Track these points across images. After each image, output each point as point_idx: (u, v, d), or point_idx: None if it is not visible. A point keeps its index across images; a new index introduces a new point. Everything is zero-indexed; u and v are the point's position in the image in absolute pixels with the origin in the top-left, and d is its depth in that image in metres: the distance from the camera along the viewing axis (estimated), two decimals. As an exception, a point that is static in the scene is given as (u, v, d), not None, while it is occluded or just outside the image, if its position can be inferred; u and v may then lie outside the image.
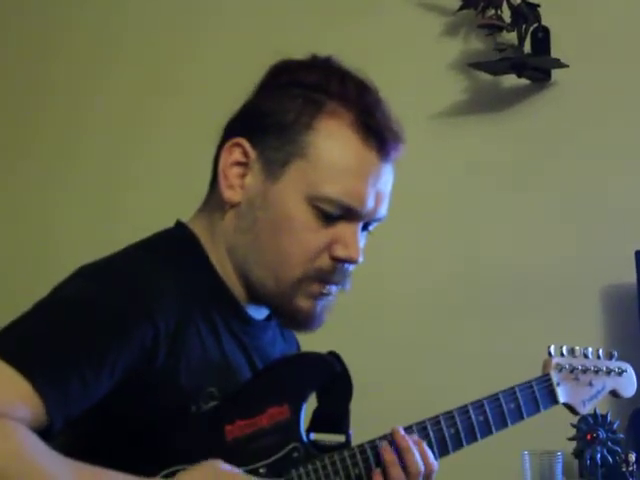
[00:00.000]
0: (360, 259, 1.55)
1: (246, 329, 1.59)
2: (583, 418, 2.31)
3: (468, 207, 2.84)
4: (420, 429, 1.59)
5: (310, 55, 1.60)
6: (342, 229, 1.54)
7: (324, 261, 1.53)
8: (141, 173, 3.07)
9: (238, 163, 1.55)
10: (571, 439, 2.35)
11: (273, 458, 1.49)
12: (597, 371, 1.78)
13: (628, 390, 1.83)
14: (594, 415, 2.31)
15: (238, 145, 1.54)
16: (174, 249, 1.59)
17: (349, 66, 1.61)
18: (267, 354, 1.63)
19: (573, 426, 2.33)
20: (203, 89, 2.97)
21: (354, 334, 2.82)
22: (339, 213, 1.53)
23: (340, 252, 1.53)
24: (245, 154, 1.54)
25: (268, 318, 1.64)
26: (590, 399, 1.77)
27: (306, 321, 1.58)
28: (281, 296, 1.56)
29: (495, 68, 2.70)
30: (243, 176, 1.55)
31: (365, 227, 1.59)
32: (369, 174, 1.54)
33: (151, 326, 1.45)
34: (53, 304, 1.46)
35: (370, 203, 1.54)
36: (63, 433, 1.39)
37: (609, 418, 2.33)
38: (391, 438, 1.57)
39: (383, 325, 2.90)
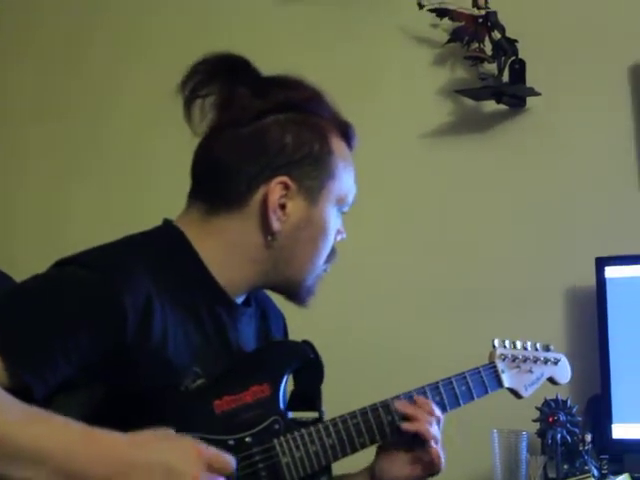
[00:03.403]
0: None
1: (231, 313, 1.62)
2: (546, 402, 2.31)
3: (450, 214, 2.83)
4: (385, 406, 1.63)
5: (282, 78, 1.63)
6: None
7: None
8: (159, 171, 3.06)
9: (281, 197, 1.58)
10: (535, 420, 2.34)
11: (257, 429, 1.52)
12: (536, 360, 1.83)
13: (563, 377, 1.89)
14: (556, 400, 2.32)
15: (281, 183, 1.57)
16: (159, 242, 1.60)
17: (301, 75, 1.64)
18: (244, 336, 1.64)
19: (537, 409, 2.32)
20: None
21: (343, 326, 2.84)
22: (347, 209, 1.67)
23: (340, 238, 1.67)
24: (287, 188, 1.57)
25: (245, 303, 1.66)
26: (531, 384, 1.82)
27: (310, 295, 1.65)
28: (299, 283, 1.63)
29: (477, 95, 2.73)
30: (284, 207, 1.58)
31: None
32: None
33: (117, 303, 1.44)
34: (29, 286, 1.46)
35: None
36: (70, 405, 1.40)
37: (569, 403, 2.33)
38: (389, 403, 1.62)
39: (366, 321, 2.87)
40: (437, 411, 1.65)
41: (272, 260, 1.61)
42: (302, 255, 1.62)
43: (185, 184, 1.65)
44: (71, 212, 3.25)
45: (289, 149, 1.58)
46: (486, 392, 1.75)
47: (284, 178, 1.57)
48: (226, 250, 1.60)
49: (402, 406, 1.63)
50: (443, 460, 1.64)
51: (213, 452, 1.37)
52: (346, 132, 1.65)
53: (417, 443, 1.64)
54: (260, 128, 1.59)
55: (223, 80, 1.62)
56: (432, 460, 1.64)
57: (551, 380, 1.88)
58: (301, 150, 1.58)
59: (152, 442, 1.34)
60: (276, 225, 1.57)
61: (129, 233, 1.61)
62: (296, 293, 1.65)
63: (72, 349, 1.40)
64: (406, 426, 1.62)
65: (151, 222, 1.65)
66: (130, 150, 3.20)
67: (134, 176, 3.17)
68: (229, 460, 1.38)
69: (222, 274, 1.59)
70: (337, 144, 1.62)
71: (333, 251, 1.65)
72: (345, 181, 1.63)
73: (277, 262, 1.61)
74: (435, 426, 1.63)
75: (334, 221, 1.63)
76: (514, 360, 1.80)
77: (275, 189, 1.57)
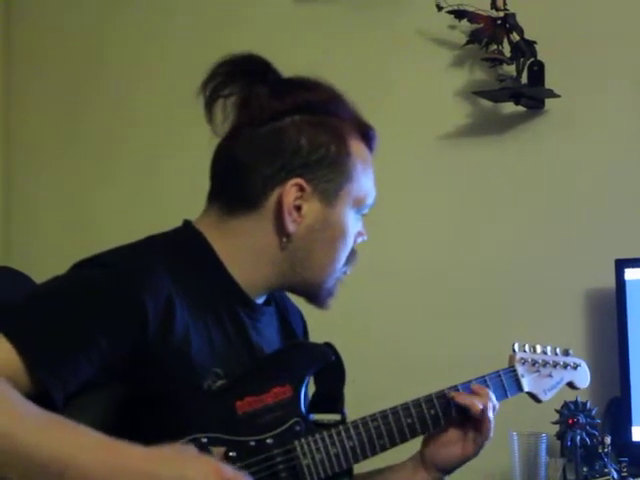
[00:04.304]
0: None
1: (251, 314, 1.62)
2: (565, 404, 2.32)
3: (468, 215, 2.83)
4: (415, 405, 1.64)
5: (301, 79, 1.63)
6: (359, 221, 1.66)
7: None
8: (179, 172, 3.05)
9: (297, 198, 1.58)
10: (555, 423, 2.34)
11: (278, 430, 1.52)
12: (555, 365, 1.83)
13: (582, 382, 1.88)
14: (575, 402, 2.32)
15: (296, 184, 1.57)
16: (179, 242, 1.60)
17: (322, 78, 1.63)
18: (266, 334, 1.65)
19: (557, 411, 2.33)
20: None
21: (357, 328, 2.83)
22: (367, 211, 1.66)
23: (360, 240, 1.66)
24: (302, 190, 1.57)
25: (266, 303, 1.67)
26: (550, 389, 1.82)
27: (330, 296, 1.64)
28: (318, 286, 1.63)
29: (496, 96, 2.72)
30: (300, 209, 1.58)
31: None
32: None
33: (138, 303, 1.44)
34: (49, 287, 1.47)
35: None
36: (94, 409, 1.42)
37: (588, 405, 2.33)
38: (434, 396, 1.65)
39: (383, 321, 2.86)
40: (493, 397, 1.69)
41: (289, 262, 1.61)
42: (319, 257, 1.61)
43: (205, 185, 1.66)
44: (93, 214, 3.26)
45: (304, 151, 1.58)
46: (505, 396, 1.75)
47: (299, 180, 1.57)
48: (243, 251, 1.60)
49: (459, 396, 1.67)
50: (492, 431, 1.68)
51: (231, 471, 1.37)
52: (366, 134, 1.64)
53: (470, 425, 1.68)
54: (277, 129, 1.59)
55: (243, 81, 1.62)
56: (485, 434, 1.68)
57: (570, 385, 1.87)
58: (317, 152, 1.58)
59: (173, 458, 1.34)
60: (291, 227, 1.57)
61: (150, 234, 1.62)
62: (315, 295, 1.65)
63: (93, 350, 1.40)
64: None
65: (173, 223, 1.66)
66: (150, 152, 3.20)
67: (155, 178, 3.18)
68: (247, 479, 1.39)
69: (240, 274, 1.59)
70: (356, 146, 1.61)
71: (353, 253, 1.64)
72: (364, 183, 1.62)
73: (294, 264, 1.61)
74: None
75: (352, 223, 1.62)
76: (534, 364, 1.80)
77: (290, 191, 1.57)
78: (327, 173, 1.58)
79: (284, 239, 1.59)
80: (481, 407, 1.66)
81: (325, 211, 1.59)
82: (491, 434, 1.68)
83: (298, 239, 1.59)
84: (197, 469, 1.34)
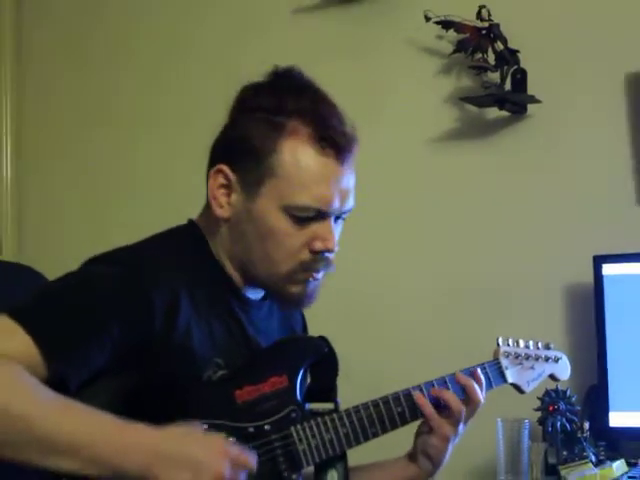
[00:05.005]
0: (335, 248, 1.58)
1: (244, 308, 1.62)
2: (547, 392, 2.31)
3: (456, 217, 2.84)
4: (405, 395, 1.63)
5: (271, 70, 1.60)
6: (317, 227, 1.56)
7: (305, 255, 1.56)
8: (193, 174, 3.03)
9: (222, 186, 1.57)
10: (537, 409, 2.34)
11: (275, 417, 1.53)
12: (537, 358, 1.82)
13: (563, 374, 1.88)
14: (556, 390, 2.31)
15: (220, 171, 1.57)
16: (182, 240, 1.61)
17: (306, 76, 1.59)
18: (262, 328, 1.66)
19: (538, 399, 2.32)
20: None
21: (354, 323, 2.85)
22: (311, 215, 1.55)
23: (319, 246, 1.56)
24: (227, 178, 1.56)
25: (263, 298, 1.66)
26: (533, 380, 1.82)
27: (299, 302, 1.62)
28: (276, 286, 1.59)
29: (481, 102, 2.73)
30: (228, 195, 1.57)
31: (337, 218, 1.59)
32: (330, 178, 1.54)
33: (146, 298, 1.46)
34: (63, 282, 1.48)
35: (336, 202, 1.55)
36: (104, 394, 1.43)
37: (568, 393, 2.33)
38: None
39: (379, 318, 2.87)
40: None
41: (240, 253, 1.60)
42: (256, 251, 1.58)
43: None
44: (103, 213, 3.26)
45: (233, 140, 1.58)
46: (491, 387, 1.75)
47: (222, 166, 1.57)
48: (220, 245, 1.62)
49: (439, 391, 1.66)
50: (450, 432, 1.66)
51: (237, 449, 1.40)
52: (326, 139, 1.55)
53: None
54: (233, 123, 1.61)
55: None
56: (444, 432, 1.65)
57: (552, 377, 1.87)
58: (245, 143, 1.55)
59: (181, 436, 1.37)
60: (218, 211, 1.57)
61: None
62: (278, 294, 1.62)
63: (105, 340, 1.42)
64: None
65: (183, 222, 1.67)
66: (165, 153, 3.20)
67: (168, 179, 3.17)
68: (251, 457, 1.42)
69: (229, 269, 1.61)
70: (293, 147, 1.54)
71: (318, 259, 1.58)
72: (296, 185, 1.54)
73: (244, 256, 1.59)
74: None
75: (281, 224, 1.55)
76: (517, 357, 1.80)
77: (213, 176, 1.57)
78: (250, 165, 1.55)
79: (226, 228, 1.58)
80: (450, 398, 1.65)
81: (247, 204, 1.56)
82: (461, 424, 1.67)
83: (235, 229, 1.58)
84: (204, 447, 1.37)
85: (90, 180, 3.31)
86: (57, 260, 1.78)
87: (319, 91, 1.59)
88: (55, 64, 3.39)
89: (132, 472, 1.33)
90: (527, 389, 1.82)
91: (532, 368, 1.82)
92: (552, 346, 1.87)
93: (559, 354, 1.87)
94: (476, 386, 1.67)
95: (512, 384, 1.80)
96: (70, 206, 3.34)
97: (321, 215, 1.56)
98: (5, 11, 3.37)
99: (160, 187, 3.19)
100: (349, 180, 1.58)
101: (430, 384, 1.67)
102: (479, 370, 1.71)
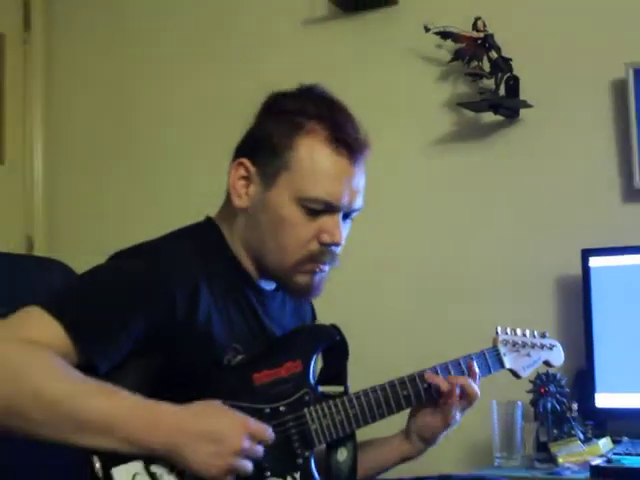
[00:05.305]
0: (342, 242, 1.62)
1: (259, 298, 1.66)
2: (538, 376, 2.36)
3: (453, 215, 2.87)
4: (411, 380, 1.68)
5: (298, 85, 1.66)
6: (326, 221, 1.60)
7: (314, 247, 1.60)
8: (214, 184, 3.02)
9: (242, 177, 1.62)
10: (529, 392, 2.38)
11: (290, 399, 1.56)
12: (533, 346, 1.85)
13: (557, 360, 1.90)
14: (547, 374, 2.35)
15: (241, 164, 1.62)
16: (200, 235, 1.64)
17: (328, 91, 1.65)
18: (276, 317, 1.68)
19: (531, 382, 2.36)
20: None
21: (360, 307, 2.90)
22: (321, 208, 1.59)
23: (326, 238, 1.60)
24: (247, 170, 1.61)
25: (277, 289, 1.70)
26: (528, 366, 1.85)
27: (306, 292, 1.65)
28: (285, 277, 1.63)
29: (477, 107, 2.77)
30: (247, 187, 1.61)
31: (346, 217, 1.63)
32: (342, 176, 1.59)
33: (168, 288, 1.49)
34: (92, 274, 1.51)
35: (345, 199, 1.59)
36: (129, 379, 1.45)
37: (558, 376, 2.38)
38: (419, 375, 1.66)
39: (381, 302, 2.91)
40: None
41: (254, 243, 1.63)
42: (269, 240, 1.61)
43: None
44: (126, 210, 3.32)
45: (256, 137, 1.63)
46: (489, 372, 1.78)
47: (243, 160, 1.62)
48: (237, 237, 1.65)
49: (431, 377, 1.68)
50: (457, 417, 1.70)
51: (255, 423, 1.45)
52: (343, 144, 1.59)
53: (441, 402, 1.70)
54: (259, 122, 1.67)
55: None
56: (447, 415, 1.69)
57: (546, 363, 1.90)
58: (265, 140, 1.60)
59: (203, 412, 1.41)
60: (237, 202, 1.61)
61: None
62: (285, 285, 1.65)
63: (132, 328, 1.46)
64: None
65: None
66: (184, 156, 3.24)
67: (192, 183, 3.21)
68: (269, 432, 1.46)
69: (245, 261, 1.64)
70: (310, 145, 1.59)
71: (325, 251, 1.61)
72: (309, 179, 1.58)
73: (257, 245, 1.62)
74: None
75: (293, 214, 1.59)
76: (514, 345, 1.82)
77: (235, 168, 1.62)
78: (269, 159, 1.59)
79: (242, 218, 1.62)
80: (447, 389, 1.68)
81: (264, 194, 1.59)
82: (457, 413, 1.69)
83: (251, 219, 1.61)
84: (225, 421, 1.41)
85: (117, 179, 3.37)
86: (86, 255, 1.82)
87: (338, 102, 1.65)
88: (85, 66, 3.47)
89: (159, 449, 1.38)
90: (523, 374, 1.85)
91: (528, 355, 1.84)
92: (547, 334, 1.90)
93: (554, 342, 1.90)
94: (470, 380, 1.70)
95: (509, 369, 1.83)
96: (97, 205, 3.39)
97: (331, 209, 1.59)
98: (37, 28, 3.46)
99: (181, 187, 3.24)
100: (359, 181, 1.63)
101: (434, 370, 1.70)
102: (474, 361, 1.73)
